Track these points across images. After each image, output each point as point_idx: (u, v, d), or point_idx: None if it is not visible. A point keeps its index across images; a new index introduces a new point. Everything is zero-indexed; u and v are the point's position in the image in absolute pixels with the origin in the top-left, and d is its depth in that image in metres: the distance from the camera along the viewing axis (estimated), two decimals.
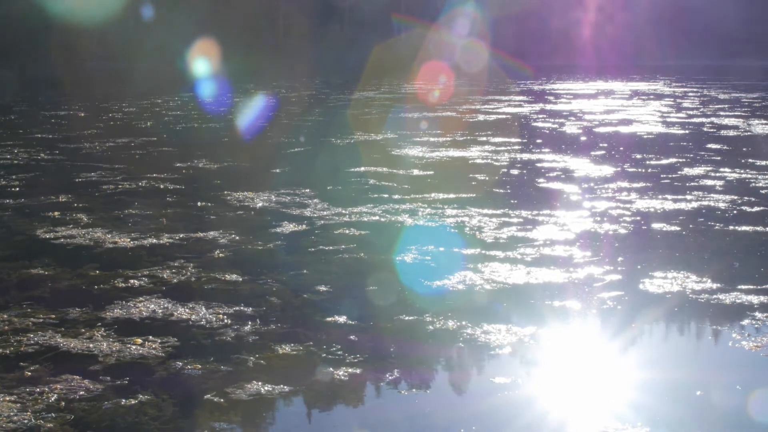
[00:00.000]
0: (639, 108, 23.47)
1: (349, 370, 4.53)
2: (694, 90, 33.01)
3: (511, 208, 8.81)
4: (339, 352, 4.77)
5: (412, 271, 6.42)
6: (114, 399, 4.12)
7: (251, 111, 22.66)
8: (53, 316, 5.31)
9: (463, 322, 5.23)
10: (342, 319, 5.33)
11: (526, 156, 13.27)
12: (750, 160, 12.58)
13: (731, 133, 16.75)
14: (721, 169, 11.66)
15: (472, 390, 4.44)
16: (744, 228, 7.94)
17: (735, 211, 8.73)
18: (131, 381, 4.33)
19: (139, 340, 4.87)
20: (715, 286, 5.99)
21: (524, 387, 4.36)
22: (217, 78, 36.18)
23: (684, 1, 72.09)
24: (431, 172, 11.50)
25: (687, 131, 17.12)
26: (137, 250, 7.03)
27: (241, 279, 6.17)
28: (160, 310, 5.40)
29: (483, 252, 6.92)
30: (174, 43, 44.81)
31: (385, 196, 9.65)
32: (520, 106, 24.49)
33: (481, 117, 20.62)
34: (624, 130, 17.40)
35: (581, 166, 12.15)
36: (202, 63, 39.24)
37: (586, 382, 4.51)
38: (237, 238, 7.47)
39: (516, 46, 60.59)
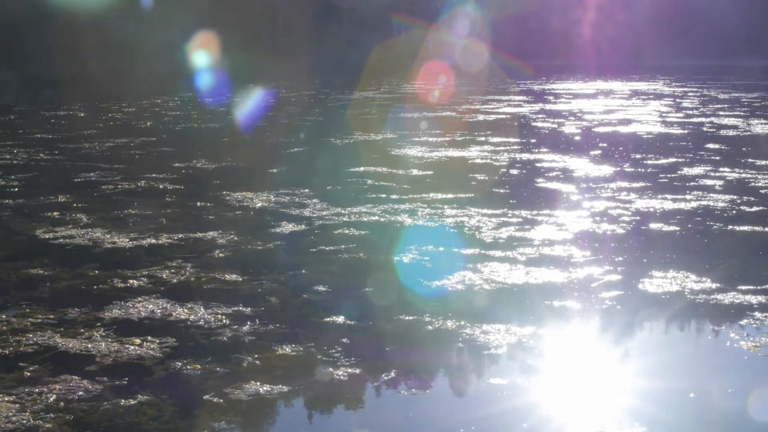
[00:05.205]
0: (638, 108, 23.46)
1: (348, 370, 4.53)
2: (694, 90, 33.01)
3: (510, 208, 8.80)
4: (338, 353, 4.76)
5: (412, 271, 6.41)
6: (113, 399, 4.12)
7: (251, 111, 22.66)
8: (52, 316, 5.31)
9: (462, 322, 5.23)
10: (341, 319, 5.32)
11: (525, 156, 13.26)
12: (750, 160, 12.58)
13: (731, 132, 16.75)
14: (721, 169, 11.66)
15: (471, 391, 4.44)
16: (743, 228, 7.94)
17: (734, 211, 8.73)
18: (130, 381, 4.33)
19: (138, 341, 4.87)
20: (714, 286, 5.99)
21: (523, 387, 4.36)
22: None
23: (684, 1, 72.10)
24: (431, 172, 11.50)
25: (686, 131, 17.11)
26: (136, 250, 7.03)
27: (240, 279, 6.16)
28: (159, 311, 5.40)
29: (482, 252, 6.92)
30: (174, 44, 44.85)
31: (385, 196, 9.65)
32: (519, 106, 24.49)
33: (480, 117, 20.62)
34: (623, 129, 17.40)
35: (581, 165, 12.15)
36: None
37: (585, 383, 4.51)
38: (236, 238, 7.47)
39: (516, 46, 60.64)
